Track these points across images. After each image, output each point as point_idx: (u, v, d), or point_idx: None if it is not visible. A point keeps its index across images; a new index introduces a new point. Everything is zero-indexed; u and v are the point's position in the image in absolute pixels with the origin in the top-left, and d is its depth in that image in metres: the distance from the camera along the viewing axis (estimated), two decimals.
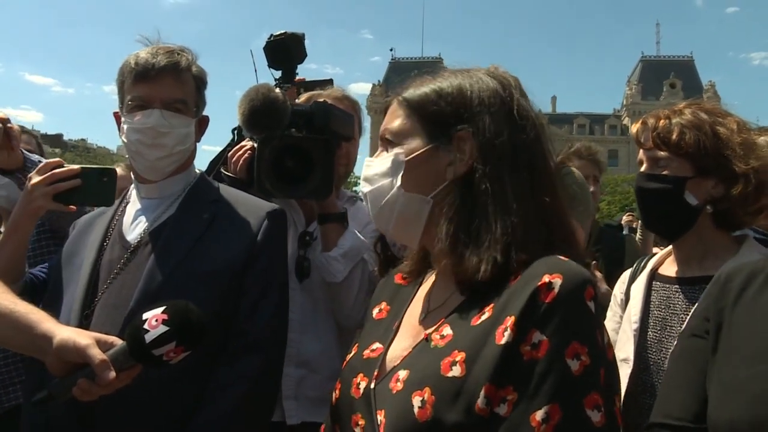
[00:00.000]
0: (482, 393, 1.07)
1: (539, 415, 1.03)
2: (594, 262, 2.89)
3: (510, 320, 1.09)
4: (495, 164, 1.20)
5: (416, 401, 1.11)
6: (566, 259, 1.15)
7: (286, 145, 2.04)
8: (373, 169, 1.31)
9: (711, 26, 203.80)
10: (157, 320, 1.29)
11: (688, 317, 1.55)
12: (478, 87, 1.25)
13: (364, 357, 1.31)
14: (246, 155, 2.12)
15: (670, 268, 1.90)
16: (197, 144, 2.06)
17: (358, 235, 2.22)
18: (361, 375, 1.27)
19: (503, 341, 1.08)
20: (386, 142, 1.30)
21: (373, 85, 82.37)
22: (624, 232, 5.95)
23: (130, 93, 1.90)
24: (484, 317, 1.14)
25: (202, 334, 1.33)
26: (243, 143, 2.18)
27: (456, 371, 1.10)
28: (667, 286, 1.86)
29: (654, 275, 1.93)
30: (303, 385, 2.14)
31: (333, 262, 2.14)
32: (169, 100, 1.88)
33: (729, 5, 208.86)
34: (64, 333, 1.34)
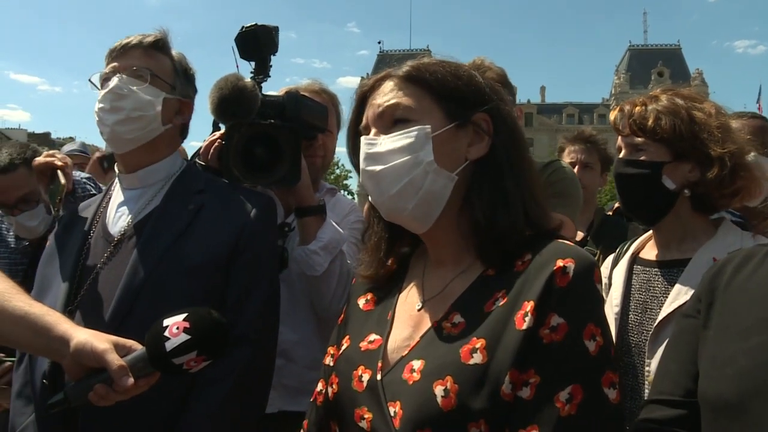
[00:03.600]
0: (507, 378, 1.08)
1: (563, 395, 1.06)
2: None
3: (529, 305, 1.11)
4: (514, 147, 1.28)
5: (438, 390, 1.11)
6: (570, 243, 1.19)
7: (253, 133, 2.03)
8: (385, 146, 1.26)
9: (694, 15, 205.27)
10: (178, 328, 1.25)
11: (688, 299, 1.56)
12: (483, 77, 1.31)
13: (363, 349, 1.30)
14: (217, 143, 2.11)
15: (650, 252, 1.93)
16: (182, 135, 2.05)
17: (336, 227, 2.22)
18: (362, 367, 1.26)
19: (525, 326, 1.10)
20: (392, 120, 1.27)
21: (362, 78, 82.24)
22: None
23: (104, 71, 1.92)
24: (498, 303, 1.15)
25: (224, 342, 1.30)
26: (215, 132, 2.17)
27: (477, 358, 1.11)
28: (647, 269, 1.88)
29: (635, 259, 1.95)
30: (281, 374, 2.13)
31: (313, 256, 2.13)
32: (132, 67, 1.89)
33: None
34: (81, 336, 1.31)
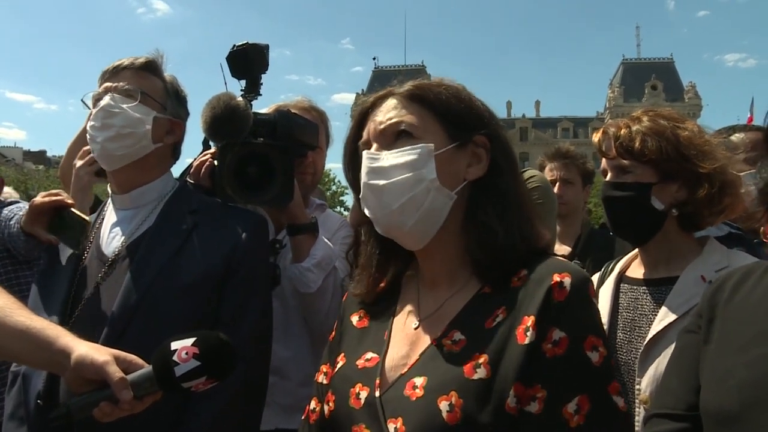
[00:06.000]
0: (512, 392, 1.10)
1: (570, 407, 1.09)
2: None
3: (530, 320, 1.14)
4: (511, 168, 1.32)
5: (443, 406, 1.12)
6: (563, 259, 1.23)
7: (246, 152, 2.04)
8: (388, 161, 1.27)
9: (684, 29, 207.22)
10: (187, 353, 1.26)
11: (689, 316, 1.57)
12: (480, 101, 1.35)
13: (360, 367, 1.31)
14: (208, 163, 2.12)
15: (637, 270, 1.94)
16: (174, 156, 2.07)
17: (329, 243, 2.23)
18: (359, 385, 1.28)
19: (527, 341, 1.13)
20: (395, 135, 1.29)
21: (357, 94, 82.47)
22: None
23: (96, 91, 1.96)
24: (498, 319, 1.18)
25: (231, 364, 1.31)
26: (206, 151, 2.18)
27: (481, 373, 1.13)
28: (635, 287, 1.89)
29: (622, 278, 1.96)
30: (274, 391, 2.13)
31: (307, 273, 2.14)
32: (122, 88, 1.92)
33: (700, 9, 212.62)
34: (81, 349, 1.32)
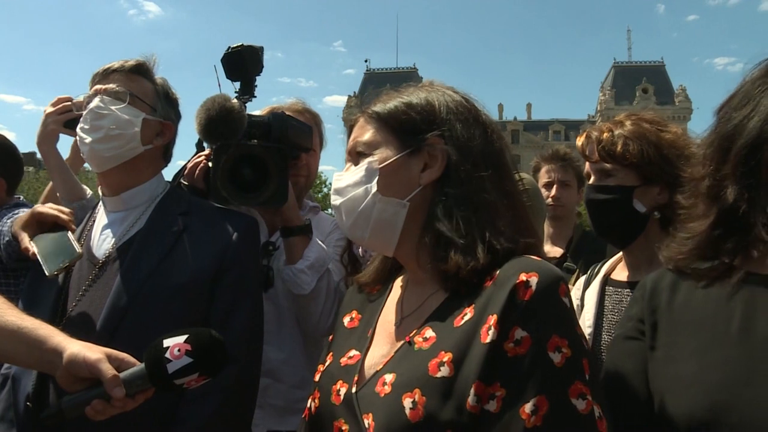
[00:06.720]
0: (472, 391, 1.10)
1: (528, 407, 1.07)
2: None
3: (492, 319, 1.13)
4: (471, 166, 1.28)
5: (407, 403, 1.14)
6: (538, 258, 1.21)
7: (241, 154, 2.04)
8: (344, 181, 1.35)
9: (674, 33, 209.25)
10: (179, 350, 1.27)
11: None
12: (444, 98, 1.34)
13: (342, 365, 1.34)
14: (202, 164, 2.12)
15: (621, 273, 1.96)
16: (164, 158, 2.06)
17: (322, 245, 2.24)
18: (340, 382, 1.30)
19: (488, 340, 1.12)
20: (357, 155, 1.35)
21: (349, 96, 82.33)
22: None
23: (87, 94, 1.96)
24: (466, 318, 1.18)
25: (224, 361, 1.32)
26: (201, 153, 2.18)
27: (444, 371, 1.14)
28: (619, 290, 1.92)
29: (607, 281, 1.98)
30: (267, 393, 2.13)
31: (300, 275, 2.15)
32: (112, 90, 1.92)
33: (689, 13, 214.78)
34: (74, 347, 1.32)
